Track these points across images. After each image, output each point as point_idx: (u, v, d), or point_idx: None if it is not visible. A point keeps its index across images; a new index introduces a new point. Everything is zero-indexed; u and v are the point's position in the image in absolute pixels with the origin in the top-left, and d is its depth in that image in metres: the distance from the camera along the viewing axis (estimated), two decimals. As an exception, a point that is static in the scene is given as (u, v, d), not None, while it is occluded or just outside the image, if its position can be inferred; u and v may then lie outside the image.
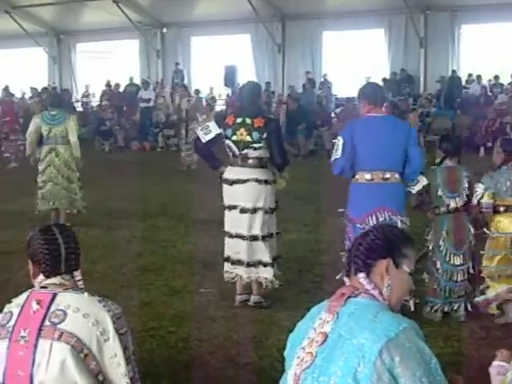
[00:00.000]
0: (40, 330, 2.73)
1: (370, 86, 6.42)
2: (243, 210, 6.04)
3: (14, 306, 2.85)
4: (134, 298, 6.21)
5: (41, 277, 2.92)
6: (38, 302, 2.79)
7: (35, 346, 2.71)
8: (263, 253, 6.05)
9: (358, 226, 5.56)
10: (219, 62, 22.62)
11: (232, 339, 5.42)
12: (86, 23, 24.55)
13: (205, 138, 6.14)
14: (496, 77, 19.98)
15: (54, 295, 2.82)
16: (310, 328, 2.44)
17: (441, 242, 5.82)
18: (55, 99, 10.49)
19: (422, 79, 21.25)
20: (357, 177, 5.66)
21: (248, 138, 6.01)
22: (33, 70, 26.32)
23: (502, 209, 5.80)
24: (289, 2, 21.47)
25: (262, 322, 5.79)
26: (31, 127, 9.48)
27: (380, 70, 21.56)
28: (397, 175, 5.60)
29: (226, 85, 22.14)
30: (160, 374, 4.71)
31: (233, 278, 6.23)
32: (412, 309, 5.65)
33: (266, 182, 6.06)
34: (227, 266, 6.24)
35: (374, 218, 5.55)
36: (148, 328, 5.60)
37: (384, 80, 21.08)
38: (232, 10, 21.49)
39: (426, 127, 18.60)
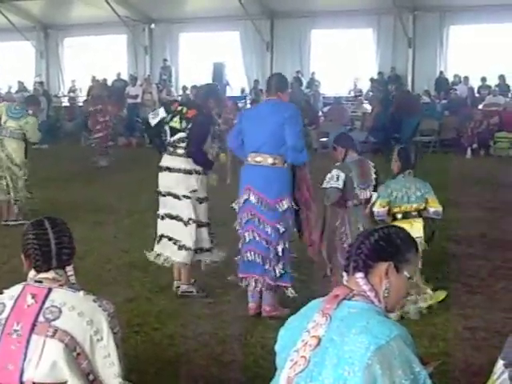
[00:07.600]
0: (34, 325, 2.71)
1: (273, 75, 6.79)
2: (175, 196, 6.35)
3: (7, 298, 2.82)
4: (119, 294, 6.19)
5: (33, 272, 2.90)
6: (33, 297, 2.77)
7: (28, 341, 2.69)
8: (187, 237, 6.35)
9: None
10: (207, 58, 22.57)
11: (217, 337, 5.43)
12: (74, 18, 24.39)
13: (152, 122, 6.55)
14: (483, 78, 20.00)
15: (49, 290, 2.80)
16: (304, 329, 2.38)
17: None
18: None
19: (409, 79, 21.28)
20: (246, 158, 5.95)
21: (178, 126, 6.33)
22: (20, 64, 26.12)
23: (399, 216, 5.91)
24: (278, -1, 21.49)
25: (247, 320, 5.79)
26: None
27: (368, 69, 21.61)
28: (270, 159, 5.74)
29: (213, 82, 22.08)
30: (144, 370, 4.70)
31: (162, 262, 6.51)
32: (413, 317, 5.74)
33: (193, 171, 6.30)
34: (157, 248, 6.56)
35: (244, 196, 5.82)
36: (133, 324, 5.59)
37: (371, 80, 21.16)
38: (221, 6, 21.41)
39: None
